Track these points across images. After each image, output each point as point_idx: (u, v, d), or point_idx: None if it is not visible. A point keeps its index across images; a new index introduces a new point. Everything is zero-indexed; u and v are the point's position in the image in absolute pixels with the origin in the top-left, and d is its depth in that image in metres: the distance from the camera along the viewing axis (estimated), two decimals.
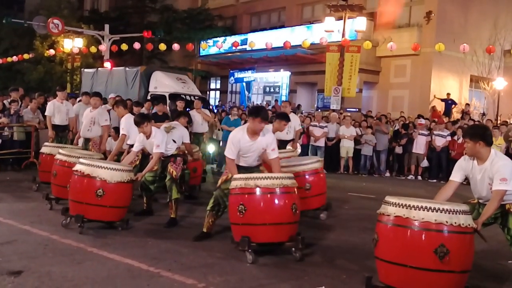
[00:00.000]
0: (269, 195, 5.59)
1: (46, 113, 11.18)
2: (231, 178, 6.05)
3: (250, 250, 5.54)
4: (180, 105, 11.94)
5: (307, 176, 7.75)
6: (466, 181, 5.13)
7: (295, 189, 5.86)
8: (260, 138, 6.21)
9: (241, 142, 6.17)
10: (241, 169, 6.28)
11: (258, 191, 5.57)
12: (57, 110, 11.08)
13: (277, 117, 8.10)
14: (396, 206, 4.42)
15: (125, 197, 6.78)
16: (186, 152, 8.57)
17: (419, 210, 4.28)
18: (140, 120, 7.27)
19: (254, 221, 5.58)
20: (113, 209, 6.64)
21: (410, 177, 14.91)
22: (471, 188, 5.08)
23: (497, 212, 4.85)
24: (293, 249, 5.71)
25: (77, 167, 6.68)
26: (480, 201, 5.03)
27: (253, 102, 26.65)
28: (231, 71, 27.17)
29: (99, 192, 6.46)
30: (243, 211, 5.57)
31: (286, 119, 8.05)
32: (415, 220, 4.28)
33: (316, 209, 7.99)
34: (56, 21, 22.31)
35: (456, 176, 5.06)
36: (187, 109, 12.93)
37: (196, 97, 15.35)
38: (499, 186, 4.66)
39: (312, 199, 7.76)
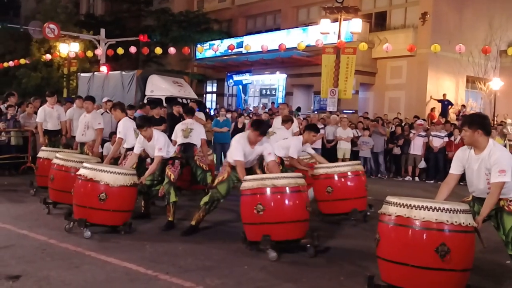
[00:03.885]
0: (281, 195, 5.85)
1: (37, 120, 11.17)
2: (226, 179, 6.66)
3: (270, 248, 5.74)
4: (177, 109, 11.91)
5: (348, 180, 7.84)
6: (463, 182, 5.09)
7: (306, 188, 6.13)
8: (257, 145, 6.68)
9: (245, 148, 6.62)
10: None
11: (278, 190, 5.82)
12: (49, 115, 11.07)
13: (306, 128, 8.47)
14: (397, 206, 4.44)
15: (128, 201, 6.73)
16: (201, 151, 8.90)
17: (420, 209, 4.31)
18: (141, 124, 7.33)
19: (274, 219, 5.77)
20: (117, 213, 6.61)
21: (407, 178, 14.93)
22: (466, 181, 4.96)
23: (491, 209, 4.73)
24: (308, 245, 5.96)
25: (81, 171, 6.64)
26: (474, 194, 4.90)
27: (250, 105, 26.66)
28: (229, 74, 27.18)
29: (102, 196, 6.42)
30: (261, 211, 5.76)
31: (316, 130, 8.45)
32: (416, 219, 4.30)
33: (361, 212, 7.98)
34: (52, 25, 22.28)
35: (455, 168, 4.98)
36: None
37: (191, 100, 15.34)
38: (498, 178, 4.54)
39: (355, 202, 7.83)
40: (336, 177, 7.81)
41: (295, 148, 8.00)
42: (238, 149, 6.58)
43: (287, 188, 5.83)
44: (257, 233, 5.85)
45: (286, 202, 5.86)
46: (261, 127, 6.64)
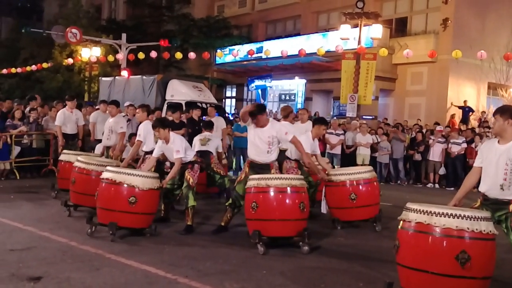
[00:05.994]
0: (279, 194, 6.24)
1: (56, 123, 11.32)
2: (243, 179, 6.81)
3: (261, 243, 6.13)
4: (196, 113, 11.95)
5: (360, 187, 7.74)
6: (474, 187, 5.08)
7: (305, 189, 6.48)
8: (268, 126, 6.90)
9: (250, 128, 7.00)
10: (255, 167, 6.93)
11: (269, 190, 6.22)
12: (67, 119, 11.24)
13: (315, 122, 8.40)
14: (417, 213, 4.42)
15: (155, 204, 6.87)
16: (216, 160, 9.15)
17: (441, 216, 4.28)
18: (153, 124, 7.46)
19: (265, 216, 6.21)
20: (144, 216, 6.70)
21: (429, 185, 14.82)
22: (481, 179, 4.91)
23: (500, 213, 4.70)
24: (301, 243, 6.24)
25: (107, 175, 6.67)
26: (487, 193, 4.81)
27: (269, 110, 26.63)
28: (249, 79, 27.24)
29: (132, 200, 6.48)
30: (255, 208, 6.22)
31: (325, 123, 8.45)
32: (437, 226, 4.28)
33: (367, 220, 7.90)
34: (74, 30, 22.52)
35: (477, 161, 5.01)
36: (203, 117, 12.98)
37: (211, 105, 15.39)
38: None
39: (363, 210, 7.74)
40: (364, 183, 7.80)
41: (305, 143, 7.84)
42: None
43: (280, 188, 6.20)
44: (252, 229, 6.31)
45: (278, 201, 6.24)
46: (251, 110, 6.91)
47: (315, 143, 8.32)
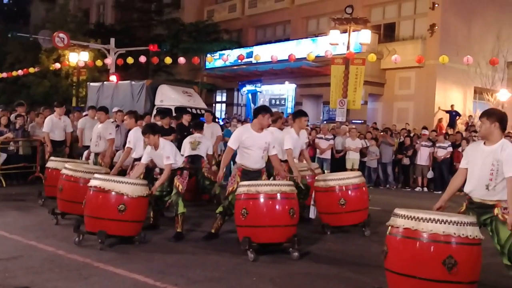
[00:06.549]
0: (269, 201, 6.22)
1: (44, 129, 11.22)
2: (235, 189, 6.65)
3: (251, 249, 6.10)
4: (186, 118, 11.91)
5: (349, 192, 7.75)
6: (460, 190, 5.11)
7: (295, 195, 6.47)
8: (265, 132, 6.97)
9: (244, 136, 6.87)
10: (246, 174, 6.88)
11: (259, 196, 6.21)
12: (55, 126, 11.17)
13: (295, 116, 8.38)
14: (405, 218, 4.46)
15: (144, 211, 6.83)
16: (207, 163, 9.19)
17: (428, 222, 4.32)
18: (143, 130, 7.39)
19: (255, 223, 6.19)
20: (134, 224, 6.66)
21: (417, 189, 14.89)
22: (466, 180, 4.92)
23: (486, 217, 4.71)
24: (291, 249, 6.24)
25: (95, 182, 6.60)
26: (471, 194, 4.82)
27: None
28: (240, 84, 27.26)
29: (121, 207, 6.43)
30: (245, 215, 6.20)
31: (305, 114, 8.42)
32: (424, 232, 4.31)
33: (356, 225, 7.92)
34: (61, 35, 22.38)
35: (464, 163, 5.02)
36: None
37: (203, 110, 15.40)
38: None
39: (353, 215, 7.75)
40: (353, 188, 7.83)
41: (290, 139, 7.85)
42: (233, 137, 7.02)
43: (270, 195, 6.20)
44: (242, 235, 6.30)
45: (268, 207, 6.23)
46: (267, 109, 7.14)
47: (301, 137, 8.29)
